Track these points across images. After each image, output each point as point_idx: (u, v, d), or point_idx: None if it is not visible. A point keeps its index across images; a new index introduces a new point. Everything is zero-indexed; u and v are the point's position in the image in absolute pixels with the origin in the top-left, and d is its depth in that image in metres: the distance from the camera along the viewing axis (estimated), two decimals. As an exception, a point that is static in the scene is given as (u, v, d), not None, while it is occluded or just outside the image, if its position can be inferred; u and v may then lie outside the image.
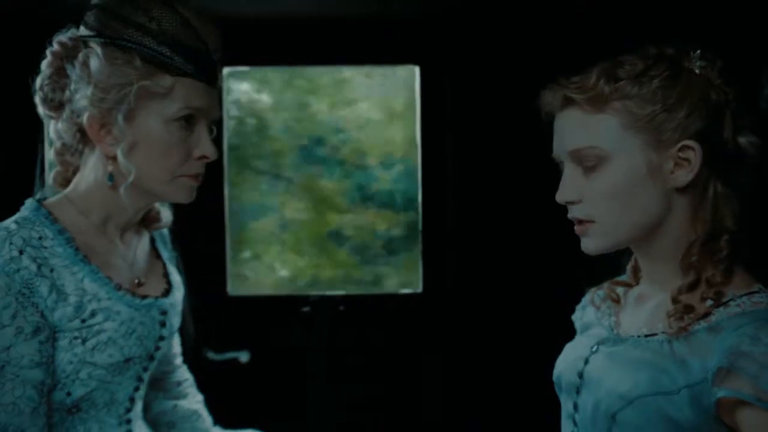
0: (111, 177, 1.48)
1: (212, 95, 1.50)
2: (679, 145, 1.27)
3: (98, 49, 1.43)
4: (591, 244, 1.32)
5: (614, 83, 1.27)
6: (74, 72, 1.46)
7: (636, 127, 1.27)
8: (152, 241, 1.68)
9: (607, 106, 1.27)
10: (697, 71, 1.30)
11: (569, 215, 1.33)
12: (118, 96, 1.42)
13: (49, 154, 1.59)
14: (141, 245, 1.62)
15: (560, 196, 1.32)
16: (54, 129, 1.53)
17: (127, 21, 1.43)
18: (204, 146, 1.50)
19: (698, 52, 1.31)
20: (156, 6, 1.43)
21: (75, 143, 1.52)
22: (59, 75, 1.48)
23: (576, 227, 1.33)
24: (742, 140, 1.30)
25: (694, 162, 1.27)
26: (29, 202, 1.51)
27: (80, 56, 1.45)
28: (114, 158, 1.46)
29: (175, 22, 1.43)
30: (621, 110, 1.27)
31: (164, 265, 1.67)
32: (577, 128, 1.30)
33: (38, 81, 1.51)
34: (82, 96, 1.44)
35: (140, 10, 1.43)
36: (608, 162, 1.28)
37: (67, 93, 1.47)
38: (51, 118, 1.52)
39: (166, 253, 1.70)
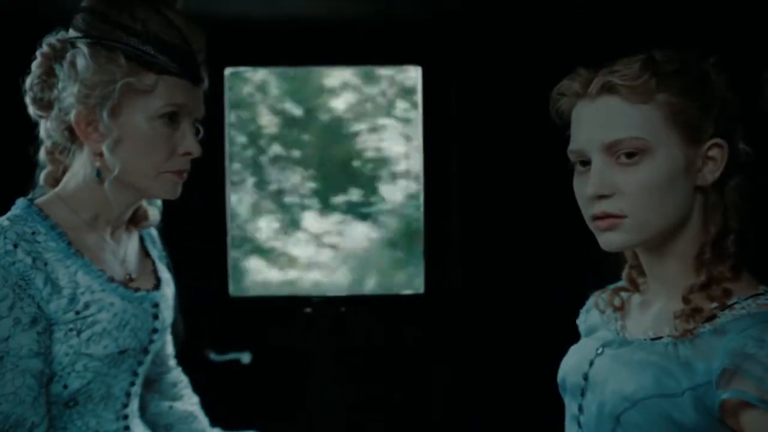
0: (98, 173, 1.52)
1: (196, 94, 1.55)
2: (711, 142, 1.27)
3: (85, 49, 1.49)
4: (617, 239, 1.28)
5: (661, 75, 1.26)
6: (62, 71, 1.51)
7: (677, 121, 1.25)
8: (141, 240, 1.72)
9: (651, 98, 1.25)
10: (713, 76, 1.30)
11: (596, 210, 1.28)
12: (104, 92, 1.48)
13: (40, 154, 1.63)
14: (131, 243, 1.67)
15: (593, 190, 1.27)
16: (44, 128, 1.58)
17: (113, 23, 1.49)
18: (188, 143, 1.54)
19: (714, 58, 1.31)
20: (141, 8, 1.49)
21: (64, 141, 1.57)
22: (48, 75, 1.54)
23: (600, 222, 1.28)
24: (741, 146, 1.31)
25: (720, 160, 1.27)
26: (20, 201, 1.55)
27: (68, 56, 1.51)
28: (101, 154, 1.51)
29: (160, 23, 1.49)
30: (663, 103, 1.25)
31: (153, 263, 1.72)
32: (617, 118, 1.26)
33: (28, 81, 1.56)
34: (69, 93, 1.50)
35: (125, 12, 1.49)
36: (650, 154, 1.25)
37: (55, 92, 1.52)
38: (41, 117, 1.57)
39: (155, 252, 1.75)
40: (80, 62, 1.48)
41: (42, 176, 1.63)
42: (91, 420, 1.55)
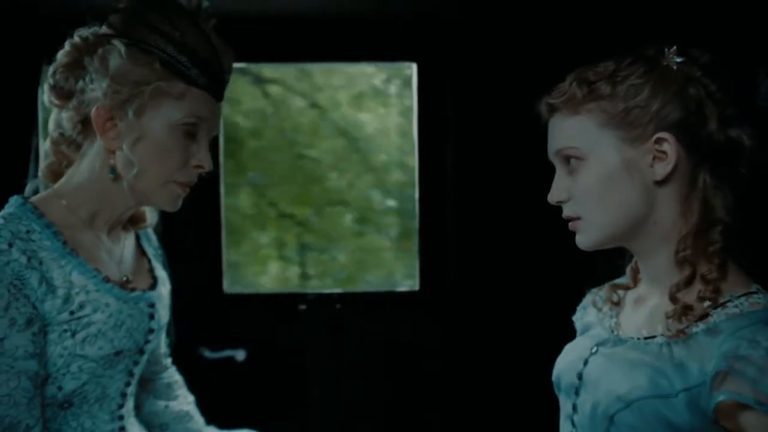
0: (113, 170, 1.53)
1: (217, 110, 1.58)
2: (654, 137, 1.29)
3: (121, 48, 1.49)
4: (582, 239, 1.36)
5: (587, 86, 1.32)
6: (92, 64, 1.51)
7: (610, 125, 1.30)
8: (137, 238, 1.71)
9: (581, 108, 1.32)
10: (673, 67, 1.32)
11: (563, 214, 1.37)
12: (134, 91, 1.49)
13: (44, 146, 1.62)
14: (127, 243, 1.66)
15: (550, 196, 1.38)
16: (55, 119, 1.58)
17: (153, 27, 1.50)
18: (202, 157, 1.56)
19: (674, 48, 1.33)
20: (181, 19, 1.51)
21: (75, 134, 1.56)
22: (75, 66, 1.53)
23: (569, 224, 1.37)
24: (733, 132, 1.31)
25: (671, 154, 1.29)
26: (14, 199, 1.54)
27: (100, 51, 1.51)
28: (113, 152, 1.51)
29: (197, 36, 1.51)
30: (594, 111, 1.31)
31: (149, 261, 1.71)
32: (558, 132, 1.36)
33: (52, 68, 1.56)
34: (97, 86, 1.50)
35: (166, 19, 1.50)
36: (586, 161, 1.32)
37: (80, 83, 1.52)
38: (56, 106, 1.57)
39: (151, 250, 1.74)
40: (114, 59, 1.49)
41: (42, 168, 1.62)
42: (86, 421, 1.54)
